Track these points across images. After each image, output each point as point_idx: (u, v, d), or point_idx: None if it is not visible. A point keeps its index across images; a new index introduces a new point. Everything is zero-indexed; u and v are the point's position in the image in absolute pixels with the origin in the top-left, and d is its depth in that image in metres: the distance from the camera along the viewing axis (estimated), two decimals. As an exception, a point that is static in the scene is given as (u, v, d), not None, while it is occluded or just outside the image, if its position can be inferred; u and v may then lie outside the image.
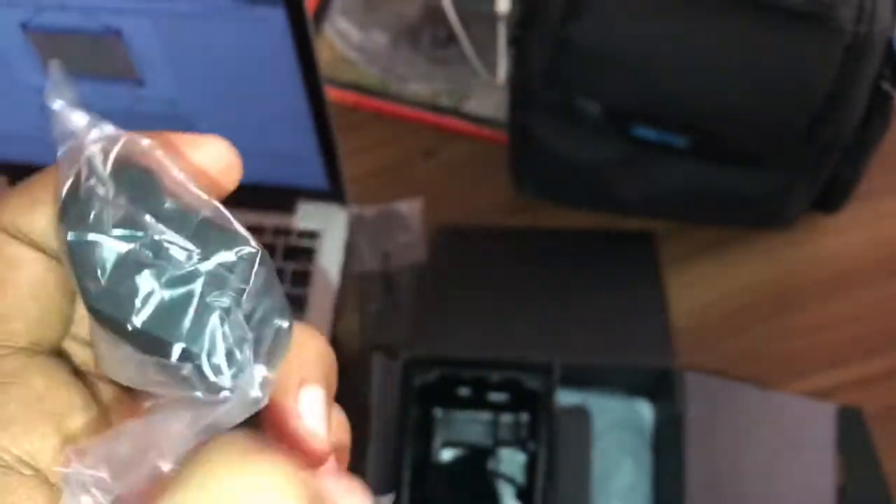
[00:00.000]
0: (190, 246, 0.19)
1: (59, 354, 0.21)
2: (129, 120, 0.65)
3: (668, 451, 0.58)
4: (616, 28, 0.54)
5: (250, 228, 0.21)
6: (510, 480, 0.59)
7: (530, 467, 0.58)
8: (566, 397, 0.59)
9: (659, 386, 0.58)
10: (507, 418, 0.60)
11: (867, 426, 0.61)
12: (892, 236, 0.68)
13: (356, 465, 0.56)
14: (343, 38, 0.74)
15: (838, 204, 0.65)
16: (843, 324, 0.66)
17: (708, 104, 0.55)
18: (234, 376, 0.19)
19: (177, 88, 0.63)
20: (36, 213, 0.21)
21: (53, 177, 0.22)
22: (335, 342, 0.67)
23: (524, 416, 0.60)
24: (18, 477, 0.19)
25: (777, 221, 0.66)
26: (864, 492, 0.60)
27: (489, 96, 0.72)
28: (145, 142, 0.21)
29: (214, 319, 0.19)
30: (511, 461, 0.60)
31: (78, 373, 0.21)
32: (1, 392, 0.19)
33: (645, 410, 0.61)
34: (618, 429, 0.61)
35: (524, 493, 0.58)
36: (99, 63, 0.62)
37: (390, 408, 0.57)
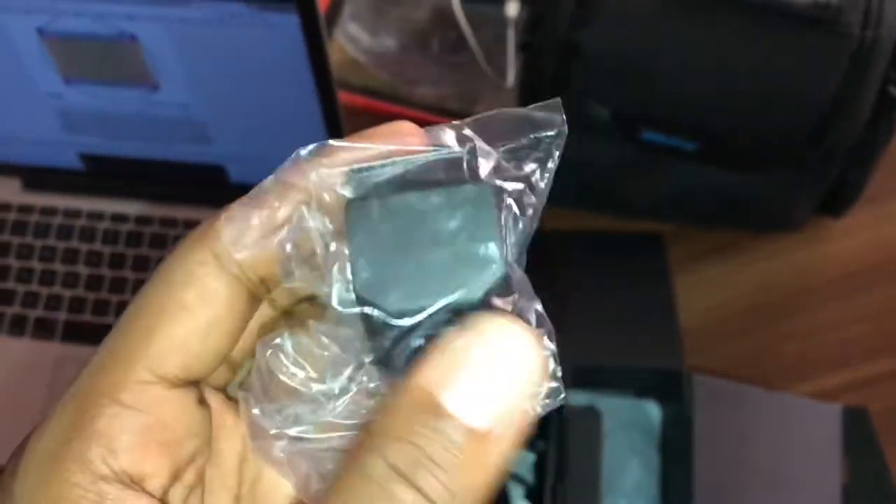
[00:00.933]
0: None
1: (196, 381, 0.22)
2: (141, 124, 0.66)
3: (675, 451, 0.59)
4: (624, 34, 0.55)
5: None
6: (520, 480, 0.60)
7: (539, 467, 0.59)
8: (574, 397, 0.60)
9: (667, 387, 0.59)
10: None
11: (873, 426, 0.62)
12: (893, 240, 0.69)
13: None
14: (353, 43, 0.75)
15: (845, 207, 0.65)
16: (848, 325, 0.67)
17: (715, 109, 0.56)
18: None
19: (190, 93, 0.64)
20: (249, 239, 0.21)
21: (273, 204, 0.21)
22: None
23: (533, 417, 0.60)
24: (135, 493, 0.20)
25: (784, 224, 0.67)
26: (869, 492, 0.61)
27: (498, 99, 0.73)
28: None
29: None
30: (520, 461, 0.61)
31: (202, 401, 0.22)
32: (132, 419, 0.20)
33: (653, 411, 0.62)
34: (625, 429, 0.62)
35: (534, 493, 0.59)
36: (114, 68, 0.63)
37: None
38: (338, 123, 0.63)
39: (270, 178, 0.22)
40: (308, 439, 0.21)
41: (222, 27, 0.58)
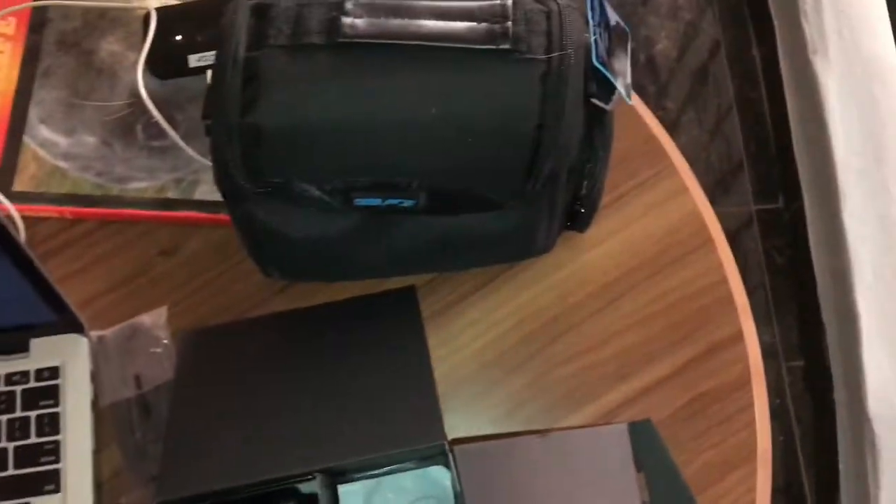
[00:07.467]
0: None
1: None
2: None
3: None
4: (297, 101, 0.51)
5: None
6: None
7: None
8: (351, 489, 0.56)
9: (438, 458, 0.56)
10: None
11: (659, 436, 0.61)
12: (642, 239, 0.68)
13: None
14: (49, 148, 0.68)
15: (587, 221, 0.64)
16: (619, 335, 0.66)
17: (417, 163, 0.53)
18: None
19: None
20: None
21: None
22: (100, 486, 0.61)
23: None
24: None
25: (533, 252, 0.65)
26: (669, 502, 0.60)
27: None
28: None
29: None
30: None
31: None
32: None
33: (441, 475, 0.59)
34: (422, 502, 0.58)
35: None
36: None
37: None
38: (22, 252, 0.56)
39: None
40: None
41: None
